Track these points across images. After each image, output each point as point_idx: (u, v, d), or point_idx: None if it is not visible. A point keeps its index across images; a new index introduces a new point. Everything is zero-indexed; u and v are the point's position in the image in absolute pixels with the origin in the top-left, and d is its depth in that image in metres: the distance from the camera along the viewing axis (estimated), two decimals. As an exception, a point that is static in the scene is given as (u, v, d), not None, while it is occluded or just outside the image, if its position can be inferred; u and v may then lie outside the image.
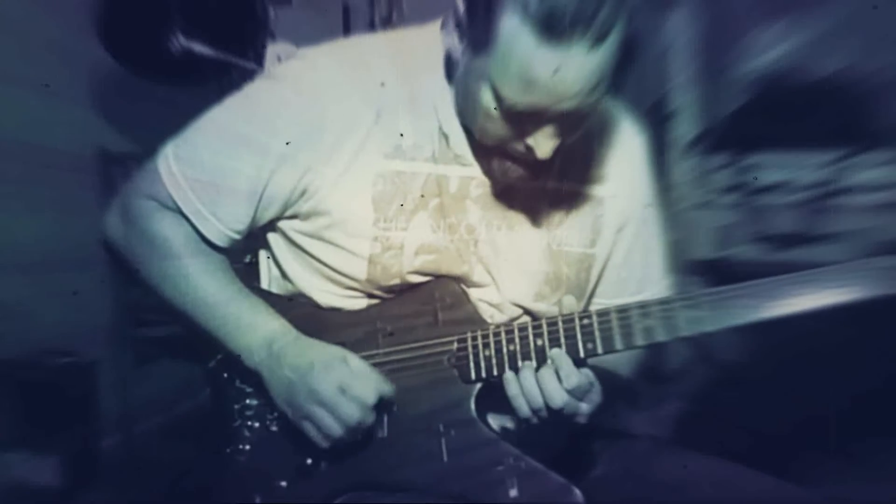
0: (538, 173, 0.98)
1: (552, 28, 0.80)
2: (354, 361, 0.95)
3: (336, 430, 0.92)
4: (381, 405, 0.95)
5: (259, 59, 1.91)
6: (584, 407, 0.92)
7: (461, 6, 0.89)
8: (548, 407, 0.89)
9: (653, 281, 1.12)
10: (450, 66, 0.96)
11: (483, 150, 0.98)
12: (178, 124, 1.02)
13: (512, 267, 1.03)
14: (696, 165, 2.39)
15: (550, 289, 1.05)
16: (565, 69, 0.82)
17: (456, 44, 0.92)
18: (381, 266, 0.99)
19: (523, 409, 0.91)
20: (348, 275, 1.00)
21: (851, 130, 2.15)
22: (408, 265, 0.99)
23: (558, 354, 0.90)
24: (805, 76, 2.16)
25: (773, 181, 2.25)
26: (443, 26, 1.00)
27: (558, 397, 0.89)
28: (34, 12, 2.12)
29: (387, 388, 0.95)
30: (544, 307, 1.04)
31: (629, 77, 1.00)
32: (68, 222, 2.01)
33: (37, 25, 2.13)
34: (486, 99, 0.88)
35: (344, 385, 0.92)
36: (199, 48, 1.88)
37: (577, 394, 0.90)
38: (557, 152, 0.93)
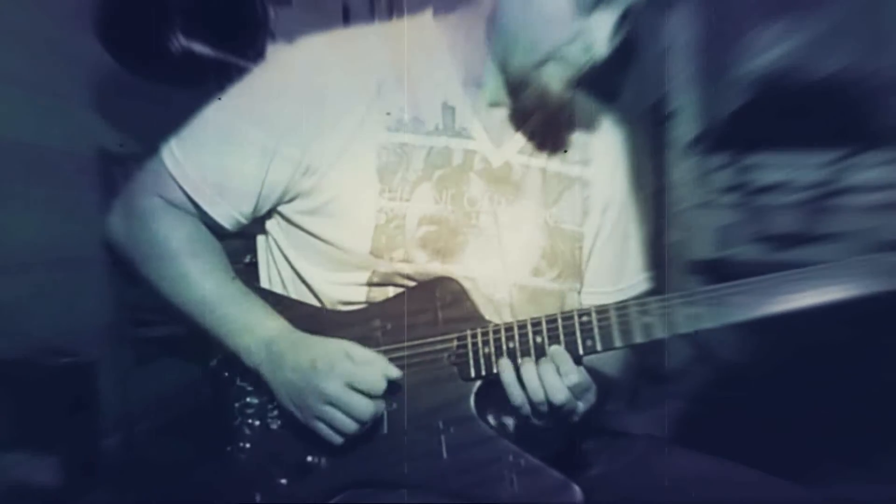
0: (551, 143, 1.04)
1: None
2: (356, 351, 0.95)
3: (350, 426, 0.93)
4: (392, 389, 0.95)
5: (259, 59, 1.92)
6: (581, 406, 0.92)
7: None
8: (549, 402, 0.89)
9: (629, 270, 1.15)
10: None
11: (519, 81, 1.00)
12: (177, 124, 1.03)
13: (511, 240, 1.05)
14: (696, 165, 2.39)
15: (547, 263, 1.06)
16: None
17: None
18: (385, 237, 1.00)
19: (520, 401, 0.91)
20: (352, 249, 1.01)
21: (851, 130, 2.15)
22: (410, 236, 1.00)
23: (557, 351, 0.91)
24: (805, 76, 2.16)
25: (773, 181, 2.25)
26: (435, 12, 1.07)
27: (561, 392, 0.89)
28: (34, 12, 2.12)
29: (393, 370, 0.95)
30: (542, 283, 1.06)
31: (629, 77, 1.01)
32: (68, 222, 2.01)
33: (37, 25, 2.13)
34: None
35: (350, 380, 0.92)
36: (199, 48, 1.88)
37: (577, 392, 0.90)
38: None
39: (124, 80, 2.05)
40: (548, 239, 1.07)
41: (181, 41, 1.87)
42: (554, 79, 0.97)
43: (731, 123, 2.32)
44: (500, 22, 0.99)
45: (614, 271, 1.15)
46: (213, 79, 1.84)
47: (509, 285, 1.05)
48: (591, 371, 0.97)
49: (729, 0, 2.25)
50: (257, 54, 1.91)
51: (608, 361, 1.05)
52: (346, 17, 2.27)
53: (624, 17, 0.95)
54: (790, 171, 2.23)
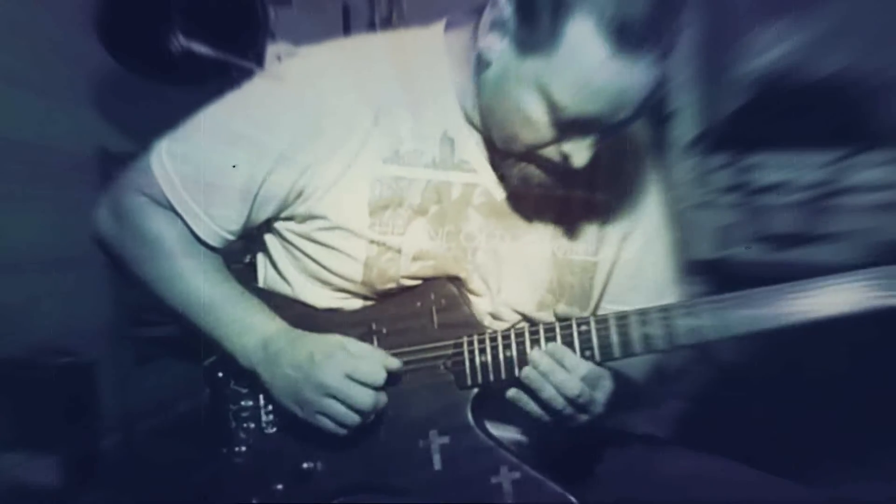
0: (562, 181, 0.95)
1: (626, 38, 0.78)
2: (353, 345, 0.94)
3: (352, 418, 0.91)
4: (392, 381, 0.93)
5: (259, 59, 1.91)
6: (600, 396, 0.90)
7: (506, 5, 0.85)
8: (566, 398, 0.88)
9: (666, 291, 1.08)
10: (479, 66, 0.91)
11: (502, 156, 0.94)
12: (177, 124, 1.01)
13: (514, 276, 1.01)
14: (696, 165, 2.39)
15: (554, 297, 1.02)
16: (631, 81, 0.81)
17: (494, 44, 0.87)
18: (376, 269, 0.98)
19: (540, 409, 0.90)
20: (343, 276, 0.99)
21: (851, 130, 2.15)
22: (404, 270, 0.98)
23: (555, 348, 0.89)
24: (805, 76, 2.16)
25: (773, 181, 2.25)
26: (448, 27, 0.99)
27: (572, 385, 0.87)
28: (34, 12, 2.12)
29: (393, 361, 0.93)
30: (546, 316, 1.00)
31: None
32: (68, 222, 2.00)
33: (37, 25, 2.13)
34: (531, 104, 0.85)
35: (349, 371, 0.91)
36: (199, 48, 1.88)
37: (590, 381, 0.88)
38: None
39: (124, 80, 2.05)
40: (554, 271, 1.02)
41: (181, 41, 1.87)
42: (535, 171, 0.92)
43: (731, 123, 2.32)
44: (481, 103, 0.93)
45: (649, 294, 1.05)
46: (213, 79, 1.85)
47: (509, 318, 1.02)
48: (618, 375, 0.96)
49: (729, 0, 2.24)
50: (257, 55, 1.91)
51: (634, 365, 1.04)
52: (346, 17, 2.27)
53: (606, 134, 0.88)
54: (790, 171, 2.23)
